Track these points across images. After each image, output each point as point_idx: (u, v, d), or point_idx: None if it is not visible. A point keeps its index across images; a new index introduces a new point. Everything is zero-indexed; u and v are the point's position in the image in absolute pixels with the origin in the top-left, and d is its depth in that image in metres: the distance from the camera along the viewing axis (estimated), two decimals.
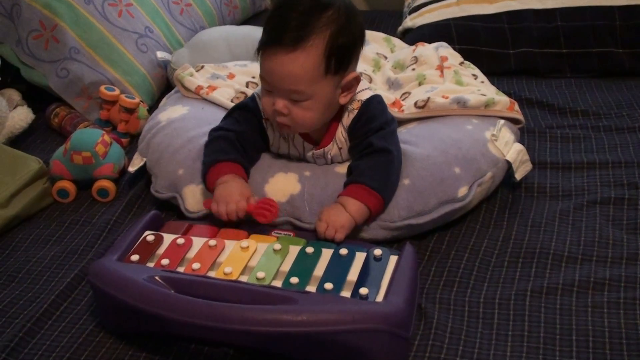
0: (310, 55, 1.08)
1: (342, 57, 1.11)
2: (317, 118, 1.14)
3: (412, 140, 1.24)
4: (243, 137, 1.19)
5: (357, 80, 1.15)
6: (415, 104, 1.33)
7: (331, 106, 1.15)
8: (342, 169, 1.19)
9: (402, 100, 1.39)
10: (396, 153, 1.15)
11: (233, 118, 1.22)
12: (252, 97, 1.22)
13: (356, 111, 1.17)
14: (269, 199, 1.14)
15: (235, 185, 1.14)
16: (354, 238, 1.12)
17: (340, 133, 1.19)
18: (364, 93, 1.18)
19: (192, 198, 1.21)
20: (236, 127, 1.20)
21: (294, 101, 1.11)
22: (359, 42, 1.14)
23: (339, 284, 0.99)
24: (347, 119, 1.18)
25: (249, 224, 1.14)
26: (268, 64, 1.10)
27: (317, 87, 1.10)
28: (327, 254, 1.06)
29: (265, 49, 1.10)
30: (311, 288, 1.00)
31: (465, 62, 1.50)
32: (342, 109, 1.18)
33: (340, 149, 1.20)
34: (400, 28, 1.92)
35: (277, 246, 1.07)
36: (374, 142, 1.14)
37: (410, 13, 1.94)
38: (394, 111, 1.33)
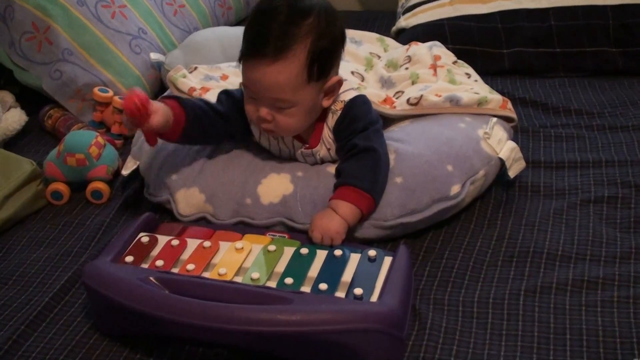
0: (293, 64, 1.08)
1: (324, 63, 1.11)
2: (300, 123, 1.15)
3: (404, 138, 1.24)
4: (226, 116, 1.19)
5: (339, 83, 1.16)
6: (408, 101, 1.33)
7: (314, 110, 1.16)
8: (333, 168, 1.19)
9: (395, 98, 1.39)
10: (382, 151, 1.15)
11: (218, 100, 1.22)
12: (240, 91, 1.22)
13: (339, 112, 1.17)
14: (143, 95, 1.06)
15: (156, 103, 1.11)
16: (348, 238, 1.12)
17: (327, 134, 1.19)
18: (347, 93, 1.18)
19: (185, 202, 1.21)
20: (220, 107, 1.20)
21: (278, 108, 1.11)
22: (341, 45, 1.14)
23: (334, 284, 0.99)
24: (332, 120, 1.18)
25: (243, 225, 1.14)
26: (250, 74, 1.10)
27: (300, 95, 1.10)
28: (321, 255, 1.06)
29: (246, 59, 1.10)
30: (306, 289, 1.00)
31: (459, 61, 1.50)
32: (326, 110, 1.18)
33: (328, 149, 1.20)
34: (394, 28, 1.92)
35: (272, 247, 1.07)
36: (359, 142, 1.14)
37: (404, 13, 1.94)
38: (385, 108, 1.33)
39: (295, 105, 1.11)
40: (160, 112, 1.10)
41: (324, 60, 1.10)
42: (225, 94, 1.23)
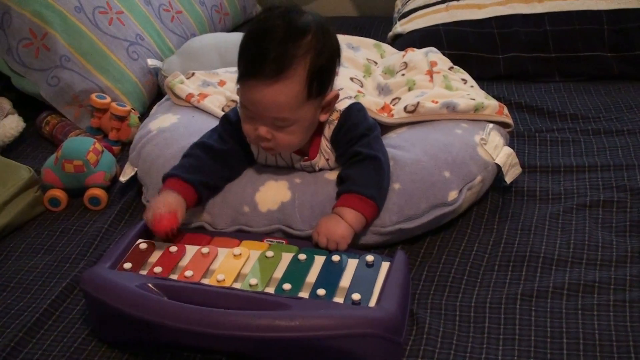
0: (293, 83, 1.07)
1: (323, 79, 1.11)
2: (300, 140, 1.15)
3: (402, 144, 1.25)
4: (226, 155, 1.19)
5: (336, 98, 1.16)
6: (405, 108, 1.34)
7: (313, 126, 1.16)
8: (332, 175, 1.19)
9: (392, 105, 1.40)
10: (384, 158, 1.15)
11: (218, 134, 1.20)
12: (235, 111, 1.21)
13: (336, 122, 1.17)
14: (172, 218, 1.10)
15: (165, 197, 1.12)
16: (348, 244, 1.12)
17: (324, 144, 1.19)
18: (342, 103, 1.18)
19: None
20: (222, 145, 1.19)
21: (278, 127, 1.11)
22: (337, 59, 1.14)
23: (332, 290, 1.00)
24: (329, 130, 1.18)
25: (241, 232, 1.14)
26: (249, 95, 1.09)
27: (300, 112, 1.10)
28: (319, 260, 1.06)
29: (245, 80, 1.09)
30: (304, 294, 1.00)
31: (455, 66, 1.51)
32: (322, 122, 1.17)
33: (327, 159, 1.21)
34: (390, 34, 1.93)
35: (270, 253, 1.08)
36: (361, 150, 1.14)
37: (400, 19, 1.95)
38: (383, 116, 1.34)
39: (295, 123, 1.11)
40: (180, 211, 1.12)
41: (323, 77, 1.10)
42: (225, 124, 1.21)
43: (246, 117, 1.13)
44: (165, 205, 1.11)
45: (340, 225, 1.10)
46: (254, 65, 1.07)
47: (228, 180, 1.20)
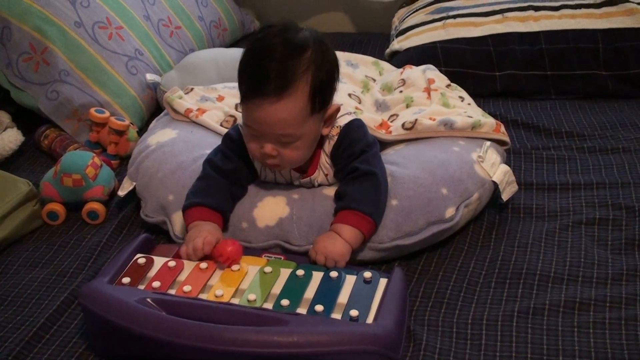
0: (297, 100, 1.08)
1: (324, 93, 1.12)
2: (305, 154, 1.16)
3: (399, 161, 1.26)
4: (234, 174, 1.20)
5: (337, 110, 1.17)
6: (403, 125, 1.35)
7: (316, 140, 1.17)
8: (330, 191, 1.20)
9: (390, 122, 1.41)
10: (382, 175, 1.16)
11: (222, 153, 1.21)
12: (236, 129, 1.21)
13: (336, 137, 1.18)
14: (233, 241, 1.11)
15: (205, 226, 1.14)
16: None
17: (324, 160, 1.20)
18: (342, 118, 1.20)
19: (182, 224, 1.22)
20: (227, 165, 1.19)
21: (283, 143, 1.11)
22: (337, 72, 1.15)
23: (330, 306, 1.00)
24: (329, 145, 1.19)
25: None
26: (254, 114, 1.10)
27: (305, 128, 1.11)
28: (317, 276, 1.07)
29: (249, 100, 1.09)
30: (302, 310, 1.00)
31: (452, 84, 1.52)
32: (322, 137, 1.19)
33: (326, 175, 1.22)
34: (387, 50, 1.94)
35: (268, 269, 1.08)
36: (359, 166, 1.15)
37: (397, 36, 1.96)
38: (381, 133, 1.35)
39: (300, 138, 1.11)
40: (220, 233, 1.15)
41: (325, 91, 1.12)
42: (227, 142, 1.21)
43: (251, 136, 1.13)
44: (212, 234, 1.12)
45: (338, 243, 1.10)
46: (257, 84, 1.08)
47: (239, 198, 1.21)
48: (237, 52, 1.81)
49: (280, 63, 1.07)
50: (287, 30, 1.10)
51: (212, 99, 1.51)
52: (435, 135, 1.33)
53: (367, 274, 1.06)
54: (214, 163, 1.20)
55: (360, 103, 1.46)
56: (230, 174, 1.19)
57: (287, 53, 1.07)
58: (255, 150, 1.14)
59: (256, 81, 1.08)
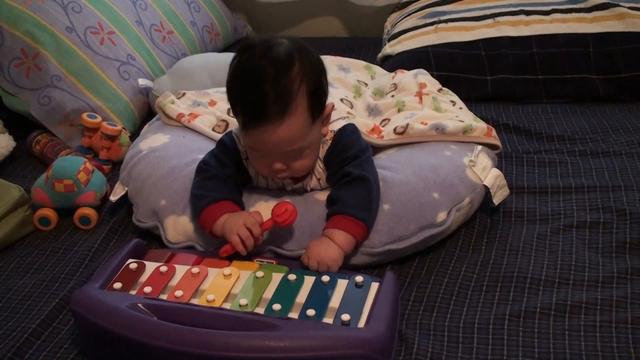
0: (299, 116, 1.08)
1: (320, 99, 1.12)
2: (314, 160, 1.17)
3: (391, 166, 1.26)
4: (231, 179, 1.20)
5: (332, 107, 1.17)
6: (395, 130, 1.35)
7: (320, 142, 1.17)
8: (322, 196, 1.20)
9: (382, 126, 1.41)
10: (374, 180, 1.16)
11: (217, 159, 1.20)
12: (230, 137, 1.21)
13: (329, 142, 1.18)
14: (281, 204, 1.12)
15: (242, 214, 1.14)
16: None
17: (318, 164, 1.20)
18: (336, 123, 1.20)
19: (174, 229, 1.22)
20: (224, 170, 1.19)
21: (292, 157, 1.12)
22: (325, 74, 1.14)
23: (321, 310, 1.00)
24: (322, 150, 1.19)
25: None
26: (259, 140, 1.09)
27: (310, 137, 1.12)
28: (309, 281, 1.07)
29: (251, 127, 1.08)
30: (293, 315, 1.01)
31: (444, 88, 1.52)
32: None
33: (318, 179, 1.22)
34: (380, 55, 1.95)
35: (260, 273, 1.08)
36: (351, 170, 1.15)
37: (389, 40, 1.97)
38: (373, 137, 1.35)
39: (307, 148, 1.12)
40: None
41: (320, 97, 1.12)
42: (221, 147, 1.21)
43: (258, 157, 1.13)
44: (252, 215, 1.12)
45: (331, 248, 1.10)
46: (257, 112, 1.07)
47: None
48: (229, 57, 1.80)
49: (274, 85, 1.06)
50: (269, 48, 1.08)
51: (204, 103, 1.51)
52: (426, 140, 1.34)
53: (359, 278, 1.06)
54: (212, 166, 1.20)
55: (352, 108, 1.46)
56: (227, 178, 1.19)
57: (277, 73, 1.06)
58: (264, 169, 1.14)
59: (255, 109, 1.07)
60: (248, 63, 1.08)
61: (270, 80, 1.06)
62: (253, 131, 1.09)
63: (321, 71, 1.13)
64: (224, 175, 1.19)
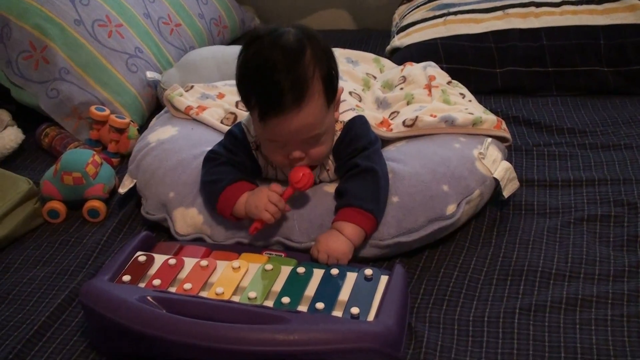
0: (316, 102, 1.08)
1: (333, 84, 1.12)
2: (330, 146, 1.16)
3: (400, 158, 1.25)
4: (242, 166, 1.19)
5: (341, 91, 1.17)
6: (404, 122, 1.35)
7: (334, 126, 1.17)
8: (330, 188, 1.20)
9: (391, 119, 1.41)
10: (382, 172, 1.16)
11: (226, 149, 1.20)
12: (240, 128, 1.21)
13: (339, 132, 1.18)
14: (296, 169, 1.12)
15: (262, 189, 1.14)
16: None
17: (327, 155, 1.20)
18: (346, 114, 1.19)
19: (182, 221, 1.22)
20: (235, 158, 1.19)
21: (310, 144, 1.11)
22: (334, 59, 1.14)
23: (330, 303, 1.00)
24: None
25: (240, 245, 1.14)
26: (277, 129, 1.08)
27: (326, 122, 1.11)
28: (318, 274, 1.06)
29: (268, 118, 1.07)
30: (302, 308, 1.00)
31: (453, 81, 1.51)
32: None
33: (327, 170, 1.21)
34: (388, 47, 1.94)
35: (269, 266, 1.08)
36: (360, 162, 1.15)
37: (398, 32, 1.96)
38: (382, 130, 1.34)
39: (324, 133, 1.12)
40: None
41: (333, 82, 1.12)
42: (231, 139, 1.20)
43: (275, 147, 1.13)
44: (272, 188, 1.12)
45: (340, 241, 1.10)
46: (273, 102, 1.06)
47: None
48: (237, 50, 1.80)
49: (289, 74, 1.05)
50: (278, 37, 1.07)
51: (212, 96, 1.51)
52: (436, 132, 1.33)
53: (368, 271, 1.06)
54: (222, 154, 1.19)
55: (360, 101, 1.45)
56: (238, 165, 1.19)
57: (290, 61, 1.05)
58: (281, 160, 1.14)
59: (272, 99, 1.06)
60: (258, 54, 1.07)
61: (284, 69, 1.05)
62: (271, 122, 1.08)
63: (330, 57, 1.12)
64: (235, 162, 1.19)
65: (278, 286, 1.04)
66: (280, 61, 1.05)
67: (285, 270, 1.07)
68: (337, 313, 0.99)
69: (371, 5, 2.38)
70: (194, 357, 0.96)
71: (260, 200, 1.11)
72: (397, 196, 1.17)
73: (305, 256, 1.13)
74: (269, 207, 1.10)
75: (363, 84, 1.53)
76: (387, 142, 1.34)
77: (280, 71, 1.05)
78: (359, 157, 1.16)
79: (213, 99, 1.50)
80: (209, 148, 1.24)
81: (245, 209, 1.13)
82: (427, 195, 1.18)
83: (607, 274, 1.12)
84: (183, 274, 1.08)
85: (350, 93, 1.44)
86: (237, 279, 1.06)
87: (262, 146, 1.17)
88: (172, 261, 1.10)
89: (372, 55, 1.65)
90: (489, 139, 1.31)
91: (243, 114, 1.41)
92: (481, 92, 1.67)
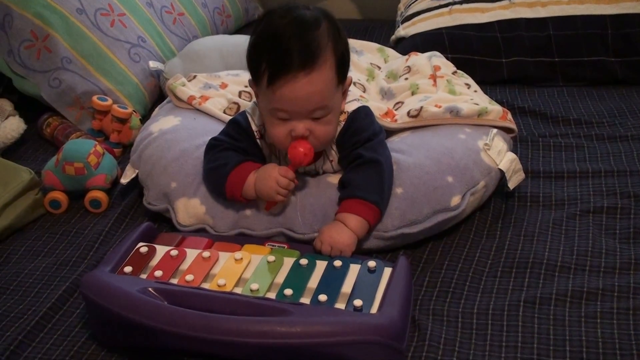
0: (327, 69, 1.07)
1: (345, 65, 1.11)
2: (334, 130, 1.15)
3: (405, 149, 1.24)
4: (245, 152, 1.19)
5: (350, 83, 1.16)
6: (408, 113, 1.34)
7: (339, 114, 1.16)
8: (333, 179, 1.19)
9: (395, 109, 1.39)
10: (386, 163, 1.15)
11: (230, 136, 1.19)
12: (244, 116, 1.20)
13: (343, 123, 1.17)
14: (294, 145, 1.10)
15: (268, 166, 1.13)
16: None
17: (330, 146, 1.19)
18: (350, 104, 1.18)
19: (184, 211, 1.21)
20: (238, 144, 1.18)
21: (315, 119, 1.10)
22: (348, 49, 1.14)
23: (333, 295, 0.99)
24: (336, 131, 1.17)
25: (243, 236, 1.13)
26: (287, 92, 1.06)
27: (334, 99, 1.10)
28: (321, 265, 1.06)
29: (276, 81, 1.06)
30: (305, 300, 1.00)
31: (458, 71, 1.50)
32: None
33: (331, 161, 1.20)
34: (393, 37, 1.93)
35: (271, 258, 1.07)
36: (364, 153, 1.14)
37: (403, 22, 1.94)
38: (386, 121, 1.33)
39: (331, 111, 1.10)
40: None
41: (345, 62, 1.11)
42: (235, 126, 1.20)
43: (279, 120, 1.10)
44: (271, 166, 1.12)
45: (344, 232, 1.09)
46: (284, 62, 1.05)
47: None
48: (240, 39, 1.81)
49: (303, 37, 1.05)
50: (295, 10, 1.09)
51: (215, 86, 1.50)
52: (441, 123, 1.32)
53: (372, 263, 1.05)
54: (225, 141, 1.19)
55: (365, 91, 1.44)
56: (242, 150, 1.18)
57: (304, 28, 1.06)
58: (283, 136, 1.11)
59: (281, 59, 1.05)
60: (271, 23, 1.08)
61: (297, 33, 1.05)
62: (279, 85, 1.06)
63: (346, 41, 1.12)
64: (238, 148, 1.18)
65: (281, 278, 1.04)
66: (293, 28, 1.06)
67: (288, 262, 1.06)
68: (340, 305, 0.98)
69: None
70: (196, 349, 0.96)
71: (269, 176, 1.11)
72: (401, 187, 1.16)
73: (308, 248, 1.12)
74: (281, 181, 1.11)
75: (367, 74, 1.52)
76: (391, 132, 1.33)
77: (292, 35, 1.05)
78: (362, 148, 1.14)
79: (216, 88, 1.49)
80: None
81: (255, 188, 1.13)
82: (432, 187, 1.17)
83: (613, 266, 1.11)
84: (185, 266, 1.08)
85: (354, 83, 1.42)
86: (240, 270, 1.05)
87: (266, 123, 1.14)
88: (174, 252, 1.09)
89: (376, 45, 1.64)
90: (495, 130, 1.30)
91: (246, 104, 1.40)
92: (487, 83, 1.66)
